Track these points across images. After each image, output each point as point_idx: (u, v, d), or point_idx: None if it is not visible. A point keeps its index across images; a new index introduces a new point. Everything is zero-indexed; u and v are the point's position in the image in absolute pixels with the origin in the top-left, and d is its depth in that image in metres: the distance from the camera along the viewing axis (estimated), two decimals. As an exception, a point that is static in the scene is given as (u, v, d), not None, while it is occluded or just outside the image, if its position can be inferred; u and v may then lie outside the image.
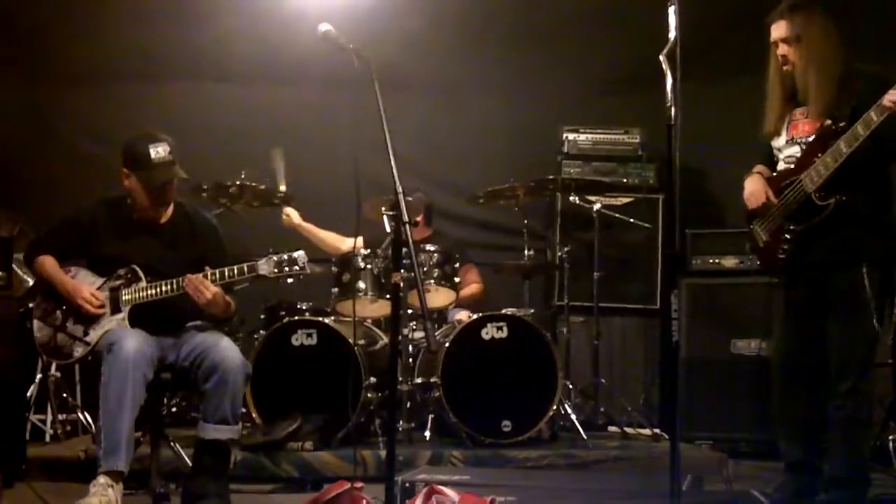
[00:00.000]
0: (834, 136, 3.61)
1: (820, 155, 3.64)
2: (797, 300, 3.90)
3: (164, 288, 3.92)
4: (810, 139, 3.77)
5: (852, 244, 3.69)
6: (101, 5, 6.15)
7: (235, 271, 3.90)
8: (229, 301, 4.03)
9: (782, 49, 3.81)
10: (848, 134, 3.54)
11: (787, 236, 3.82)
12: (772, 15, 3.84)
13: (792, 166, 3.83)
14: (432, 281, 5.20)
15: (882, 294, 3.70)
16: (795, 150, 3.84)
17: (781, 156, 3.93)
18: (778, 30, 3.81)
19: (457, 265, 5.34)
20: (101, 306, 3.94)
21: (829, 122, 3.68)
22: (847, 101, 3.65)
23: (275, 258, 3.92)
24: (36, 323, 4.03)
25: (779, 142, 3.94)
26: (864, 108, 3.52)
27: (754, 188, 3.95)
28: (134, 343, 3.72)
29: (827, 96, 3.69)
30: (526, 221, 5.71)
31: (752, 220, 4.02)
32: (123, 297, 3.95)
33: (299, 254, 3.94)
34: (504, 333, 5.03)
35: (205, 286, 3.85)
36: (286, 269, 3.92)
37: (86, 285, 3.99)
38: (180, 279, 3.89)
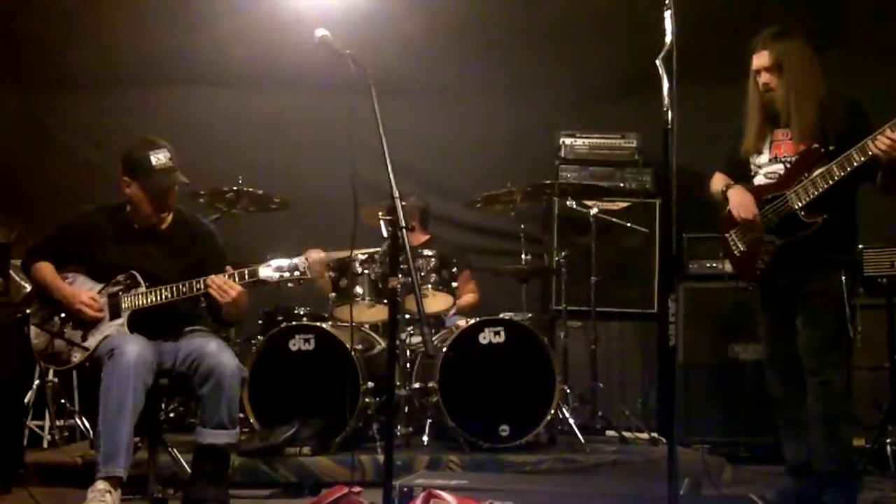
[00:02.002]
0: (820, 158, 3.79)
1: (806, 174, 3.82)
2: (777, 307, 4.04)
3: (164, 294, 3.92)
4: (794, 159, 3.92)
5: (830, 255, 3.86)
6: (99, 11, 6.15)
7: (237, 276, 3.91)
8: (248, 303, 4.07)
9: (765, 77, 3.97)
10: (842, 159, 3.70)
11: (769, 248, 3.96)
12: (754, 43, 4.00)
13: (773, 182, 3.97)
14: (430, 286, 5.19)
15: (850, 297, 3.85)
16: (779, 168, 3.98)
17: (762, 171, 4.06)
18: (760, 59, 3.98)
19: (454, 270, 5.33)
20: (100, 310, 3.94)
21: (815, 144, 3.84)
22: (830, 125, 3.82)
23: (276, 264, 3.93)
24: (33, 329, 4.03)
25: (760, 159, 4.07)
26: (845, 131, 3.74)
27: (744, 200, 4.04)
28: (135, 349, 3.72)
29: (808, 122, 3.86)
30: (523, 226, 5.72)
31: (730, 228, 4.13)
32: (123, 303, 3.95)
33: (300, 259, 3.94)
34: (502, 338, 5.03)
35: (229, 285, 3.87)
36: (287, 274, 3.92)
37: (84, 290, 3.99)
38: (180, 284, 3.90)
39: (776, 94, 3.95)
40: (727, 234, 4.15)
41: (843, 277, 3.83)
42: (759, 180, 4.06)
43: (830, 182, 3.74)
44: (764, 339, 4.16)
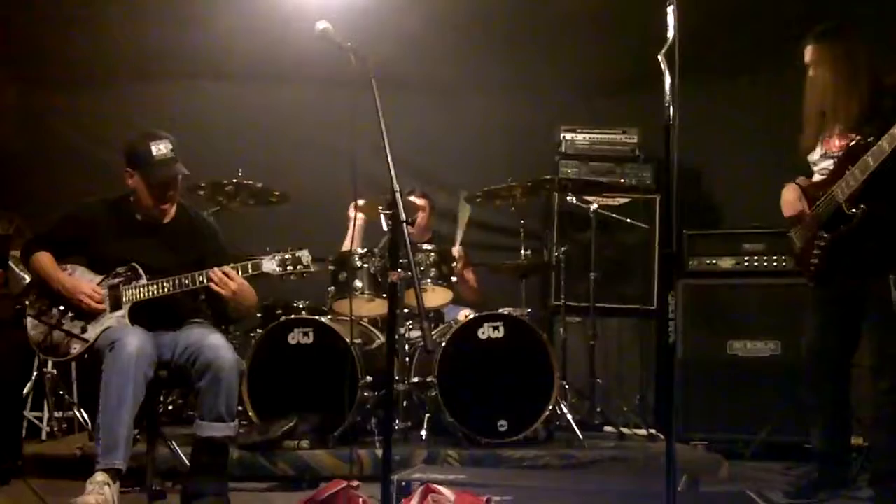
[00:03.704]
0: (863, 151, 3.83)
1: (850, 168, 3.87)
2: (829, 302, 4.16)
3: (165, 286, 3.92)
4: (841, 154, 4.01)
5: (882, 252, 3.93)
6: (98, 5, 6.14)
7: (239, 269, 3.91)
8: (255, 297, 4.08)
9: (811, 72, 4.11)
10: (874, 149, 3.75)
11: (820, 244, 4.06)
12: (804, 40, 4.15)
13: (826, 178, 4.08)
14: (429, 280, 5.19)
15: None
16: (829, 164, 4.08)
17: (816, 168, 4.19)
18: (808, 54, 4.13)
19: (454, 265, 5.33)
20: (102, 302, 3.94)
21: (857, 137, 3.92)
22: (874, 117, 3.89)
23: (279, 257, 3.93)
24: (30, 321, 4.02)
25: (814, 156, 4.19)
26: (888, 124, 3.75)
27: (789, 197, 4.21)
28: (136, 341, 3.71)
29: (848, 117, 3.97)
30: (523, 221, 5.71)
31: (791, 227, 4.27)
32: (124, 296, 3.95)
33: (303, 253, 3.94)
34: (500, 333, 5.03)
35: (230, 276, 3.87)
36: (290, 267, 3.92)
37: (85, 281, 3.99)
38: (182, 277, 3.90)
39: (820, 90, 4.06)
40: (790, 233, 4.28)
41: (892, 279, 3.91)
42: (816, 177, 4.18)
43: (867, 172, 3.78)
44: (812, 332, 4.25)
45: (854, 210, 3.86)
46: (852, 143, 3.93)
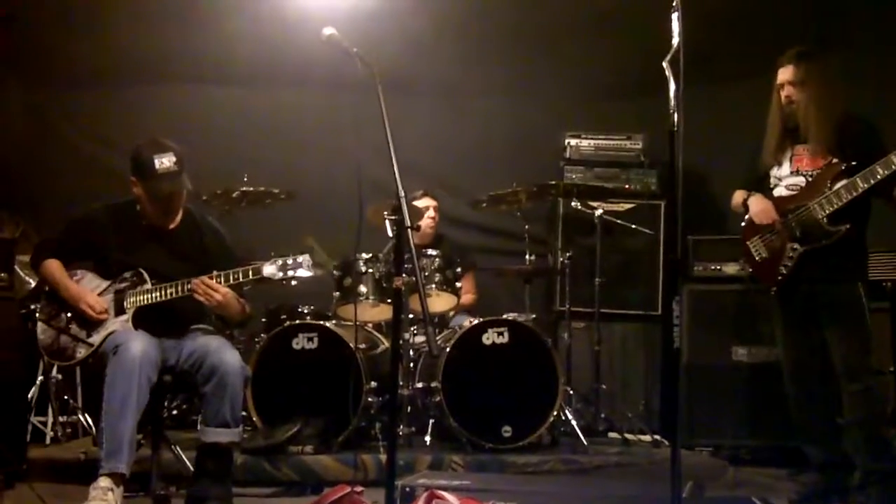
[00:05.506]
0: (842, 173, 4.03)
1: (829, 185, 4.05)
2: (796, 313, 4.26)
3: (168, 291, 3.92)
4: (816, 172, 4.16)
5: (850, 263, 4.11)
6: (103, 8, 6.15)
7: (240, 274, 3.91)
8: (243, 303, 4.06)
9: (788, 90, 4.21)
10: (866, 172, 3.92)
11: (791, 255, 4.18)
12: (781, 59, 4.24)
13: (796, 193, 4.21)
14: (434, 286, 5.19)
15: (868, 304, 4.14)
16: (800, 181, 4.22)
17: (783, 184, 4.29)
18: (785, 73, 4.22)
19: (458, 270, 5.33)
20: (104, 311, 3.95)
21: (835, 160, 4.08)
22: (847, 143, 4.07)
23: (279, 261, 3.92)
24: (40, 325, 4.04)
25: (780, 171, 4.31)
26: (860, 151, 3.99)
27: (764, 207, 4.28)
28: (140, 346, 3.72)
29: (825, 137, 4.11)
30: (527, 226, 5.72)
31: (752, 235, 4.35)
32: (128, 300, 3.96)
33: (304, 257, 3.93)
34: (505, 339, 5.03)
35: (213, 288, 3.86)
36: (290, 272, 3.92)
37: (89, 290, 4.00)
38: (185, 281, 3.90)
39: (797, 107, 4.18)
40: (748, 242, 4.36)
41: (861, 287, 4.08)
42: (780, 192, 4.28)
43: (854, 193, 3.95)
44: (781, 342, 4.37)
45: (839, 227, 4.03)
46: (832, 163, 4.08)
